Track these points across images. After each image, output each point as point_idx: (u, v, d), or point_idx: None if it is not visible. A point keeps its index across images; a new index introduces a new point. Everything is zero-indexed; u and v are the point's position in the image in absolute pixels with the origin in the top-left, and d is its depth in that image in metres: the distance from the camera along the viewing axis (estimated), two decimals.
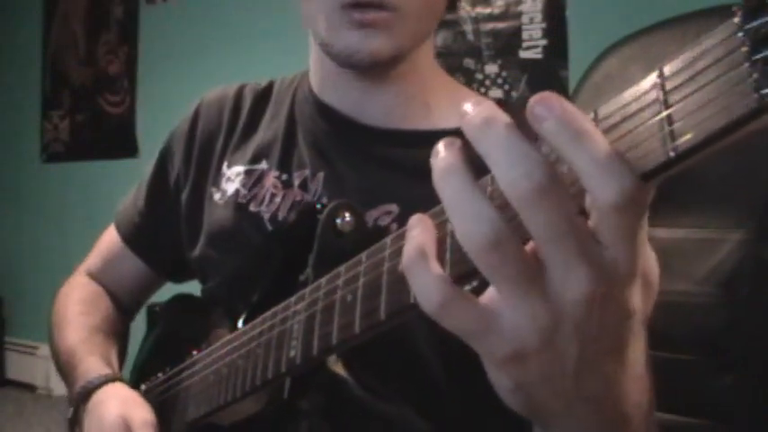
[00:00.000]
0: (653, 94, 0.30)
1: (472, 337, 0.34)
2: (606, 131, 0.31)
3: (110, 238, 0.94)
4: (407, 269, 0.34)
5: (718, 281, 0.84)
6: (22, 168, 3.84)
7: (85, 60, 3.59)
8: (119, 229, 0.92)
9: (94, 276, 0.94)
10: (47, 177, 3.73)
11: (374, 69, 0.69)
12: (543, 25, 2.26)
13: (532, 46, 2.28)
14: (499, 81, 2.32)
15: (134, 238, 0.91)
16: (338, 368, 0.61)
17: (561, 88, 2.20)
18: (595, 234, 0.31)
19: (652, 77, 0.30)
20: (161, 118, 3.26)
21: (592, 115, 0.32)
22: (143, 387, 0.82)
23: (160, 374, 0.80)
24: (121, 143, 3.36)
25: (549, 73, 2.24)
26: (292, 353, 0.52)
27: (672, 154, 0.29)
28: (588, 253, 0.31)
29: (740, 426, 0.82)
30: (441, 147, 0.34)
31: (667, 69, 0.29)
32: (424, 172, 0.68)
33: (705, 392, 0.81)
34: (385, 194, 0.69)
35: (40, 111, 3.78)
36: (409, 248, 0.34)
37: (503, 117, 0.31)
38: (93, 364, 0.79)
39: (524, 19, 2.29)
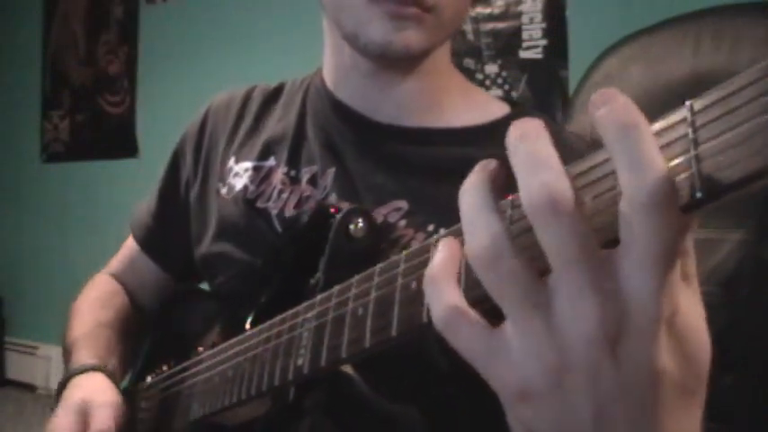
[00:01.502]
0: (682, 130, 0.28)
1: (479, 362, 0.33)
2: None
3: (131, 240, 0.96)
4: (425, 284, 0.34)
5: (718, 281, 0.84)
6: (22, 168, 3.84)
7: (85, 60, 3.59)
8: (133, 231, 0.94)
9: (116, 277, 0.96)
10: (47, 177, 3.73)
11: (403, 62, 0.69)
12: (543, 25, 2.26)
13: (532, 46, 2.28)
14: (499, 81, 2.32)
15: (146, 240, 0.92)
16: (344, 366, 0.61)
17: (561, 88, 2.20)
18: (619, 262, 0.29)
19: (682, 111, 0.29)
20: (161, 118, 3.27)
21: None
22: (149, 379, 0.83)
23: (165, 367, 0.81)
24: (121, 143, 3.36)
25: (549, 73, 2.24)
26: (300, 361, 0.51)
27: (699, 195, 0.27)
28: (601, 287, 0.29)
29: (740, 426, 0.82)
30: (476, 167, 0.33)
31: (698, 104, 0.28)
32: (435, 170, 0.69)
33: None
34: (395, 191, 0.69)
35: (40, 111, 3.77)
36: (431, 265, 0.34)
37: (540, 131, 0.31)
38: (81, 357, 0.79)
39: (524, 19, 2.29)
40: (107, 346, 0.83)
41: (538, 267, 0.31)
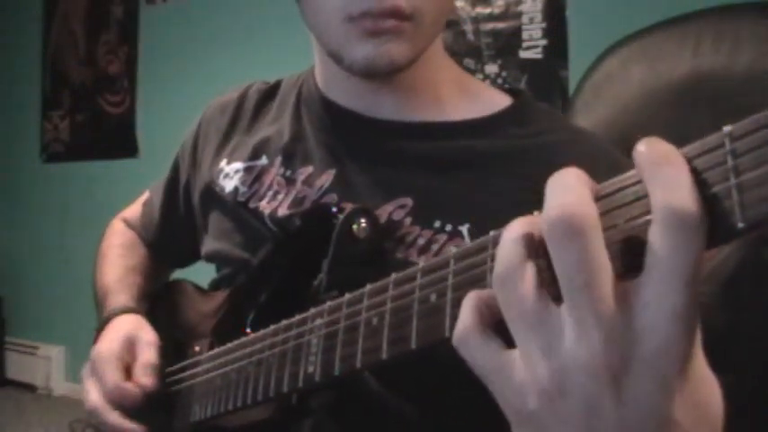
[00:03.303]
0: (720, 157, 0.27)
1: (487, 379, 0.33)
2: None
3: (147, 197, 0.98)
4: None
5: (718, 281, 0.84)
6: (22, 168, 3.84)
7: (85, 60, 3.59)
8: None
9: (132, 227, 0.99)
10: (47, 177, 3.73)
11: (391, 76, 0.68)
12: (543, 25, 2.26)
13: (532, 46, 2.28)
14: (499, 81, 2.32)
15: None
16: None
17: (561, 88, 2.20)
18: (637, 291, 0.28)
19: (720, 137, 0.27)
20: (161, 118, 3.27)
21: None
22: None
23: None
24: (121, 143, 3.36)
25: (549, 73, 2.24)
26: (311, 369, 0.51)
27: (741, 225, 0.26)
28: (609, 319, 0.28)
29: (740, 426, 0.82)
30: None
31: (738, 130, 0.27)
32: (440, 165, 0.69)
33: None
34: (398, 188, 0.68)
35: (40, 111, 3.78)
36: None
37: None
38: (118, 299, 0.84)
39: (524, 19, 2.29)
40: (138, 290, 0.88)
41: (553, 292, 0.31)
